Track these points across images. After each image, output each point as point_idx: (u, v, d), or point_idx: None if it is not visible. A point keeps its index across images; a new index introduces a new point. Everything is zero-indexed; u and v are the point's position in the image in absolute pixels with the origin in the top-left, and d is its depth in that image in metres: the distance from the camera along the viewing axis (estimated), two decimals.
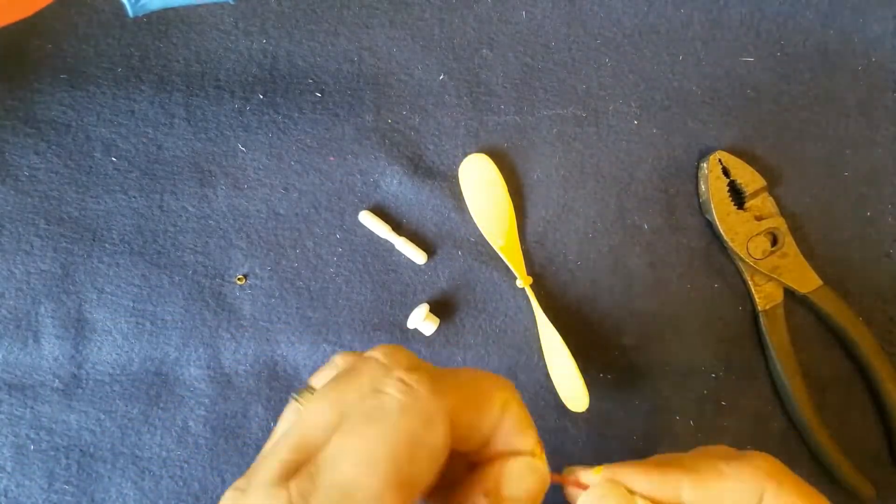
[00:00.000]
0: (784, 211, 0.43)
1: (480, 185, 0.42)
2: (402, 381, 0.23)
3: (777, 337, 0.42)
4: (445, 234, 0.42)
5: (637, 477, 0.26)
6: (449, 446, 0.23)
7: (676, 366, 0.42)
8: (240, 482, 0.23)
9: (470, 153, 0.43)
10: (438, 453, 0.23)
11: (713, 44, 0.44)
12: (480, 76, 0.43)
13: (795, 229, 0.43)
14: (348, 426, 0.23)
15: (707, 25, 0.44)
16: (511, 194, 0.42)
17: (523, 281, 0.41)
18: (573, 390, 0.40)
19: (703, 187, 0.43)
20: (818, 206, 0.44)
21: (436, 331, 0.41)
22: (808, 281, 0.42)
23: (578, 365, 0.40)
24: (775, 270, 0.42)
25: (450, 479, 0.26)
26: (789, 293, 0.42)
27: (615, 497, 0.26)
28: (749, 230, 0.42)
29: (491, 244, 0.42)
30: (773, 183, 0.43)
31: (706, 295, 0.43)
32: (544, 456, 0.26)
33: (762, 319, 0.42)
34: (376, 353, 0.25)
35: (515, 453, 0.25)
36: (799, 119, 0.44)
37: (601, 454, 0.41)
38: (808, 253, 0.43)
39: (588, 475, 0.28)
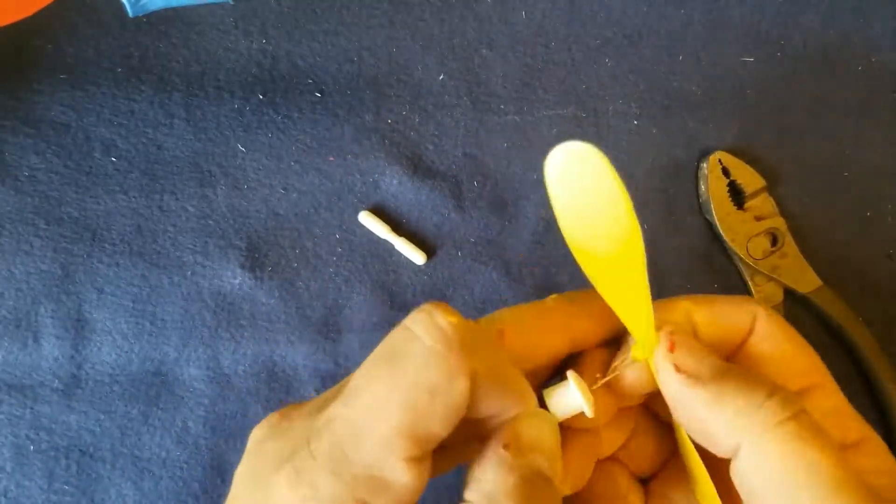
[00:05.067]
0: (784, 211, 0.43)
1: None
2: (437, 326, 0.22)
3: None
4: (445, 234, 0.42)
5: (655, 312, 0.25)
6: (467, 406, 0.22)
7: None
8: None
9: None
10: (456, 410, 0.22)
11: (713, 44, 0.44)
12: (480, 76, 0.43)
13: (795, 229, 0.43)
14: (372, 361, 0.22)
15: (707, 25, 0.44)
16: (511, 194, 0.42)
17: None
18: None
19: (702, 187, 0.43)
20: (818, 206, 0.44)
21: None
22: (807, 281, 0.42)
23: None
24: (775, 270, 0.42)
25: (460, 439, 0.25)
26: (789, 293, 0.42)
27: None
28: (749, 230, 0.42)
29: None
30: (774, 183, 0.43)
31: None
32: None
33: None
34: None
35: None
36: (799, 119, 0.44)
37: None
38: (808, 253, 0.43)
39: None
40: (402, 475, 0.21)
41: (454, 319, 0.22)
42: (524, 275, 0.42)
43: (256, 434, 0.25)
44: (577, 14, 0.44)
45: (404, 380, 0.21)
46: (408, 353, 0.22)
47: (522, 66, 0.43)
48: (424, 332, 0.22)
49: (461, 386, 0.21)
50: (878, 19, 0.45)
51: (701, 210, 0.43)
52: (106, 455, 0.40)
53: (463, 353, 0.22)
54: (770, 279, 0.42)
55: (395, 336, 0.23)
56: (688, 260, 0.43)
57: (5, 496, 0.39)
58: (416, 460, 0.21)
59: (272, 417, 0.25)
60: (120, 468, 0.40)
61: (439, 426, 0.22)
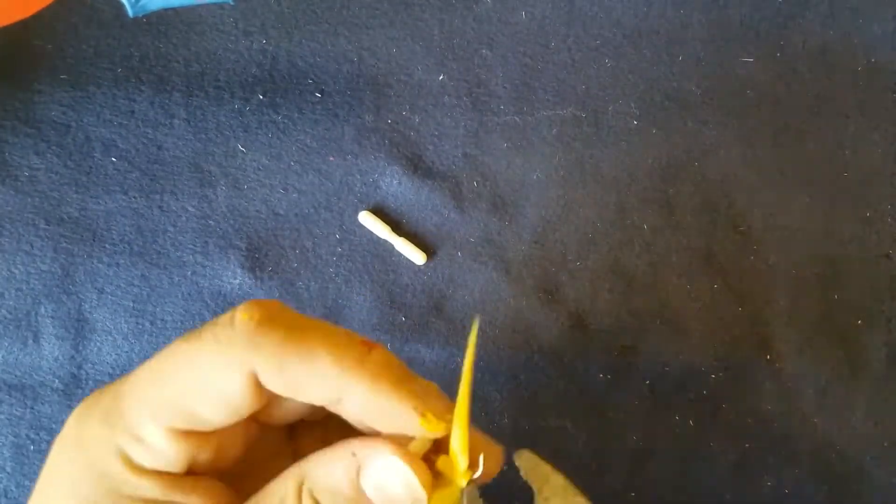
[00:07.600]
0: (784, 211, 0.43)
1: None
2: (236, 319, 0.22)
3: None
4: (445, 234, 0.42)
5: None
6: (251, 400, 0.22)
7: (676, 366, 0.42)
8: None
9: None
10: (228, 403, 0.22)
11: (713, 44, 0.44)
12: (480, 76, 0.43)
13: (795, 229, 0.43)
14: (186, 333, 0.23)
15: (707, 26, 0.44)
16: (511, 194, 0.42)
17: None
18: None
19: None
20: (818, 206, 0.44)
21: (436, 331, 0.41)
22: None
23: (578, 367, 0.40)
24: None
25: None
26: None
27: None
28: None
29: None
30: (772, 183, 0.43)
31: (706, 295, 0.43)
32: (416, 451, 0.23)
33: None
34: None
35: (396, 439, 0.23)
36: (798, 119, 0.44)
37: (600, 455, 0.41)
38: (808, 253, 0.43)
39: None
40: (160, 441, 0.22)
41: (246, 316, 0.22)
42: (524, 275, 0.42)
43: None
44: (577, 14, 0.44)
45: (187, 359, 0.22)
46: (202, 337, 0.22)
47: (522, 66, 0.44)
48: (227, 319, 0.22)
49: (235, 379, 0.22)
50: (877, 20, 0.45)
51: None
52: None
53: (246, 346, 0.22)
54: None
55: (219, 316, 0.23)
56: (688, 260, 0.43)
57: (5, 496, 0.39)
58: (177, 433, 0.22)
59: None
60: None
61: (209, 412, 0.22)
